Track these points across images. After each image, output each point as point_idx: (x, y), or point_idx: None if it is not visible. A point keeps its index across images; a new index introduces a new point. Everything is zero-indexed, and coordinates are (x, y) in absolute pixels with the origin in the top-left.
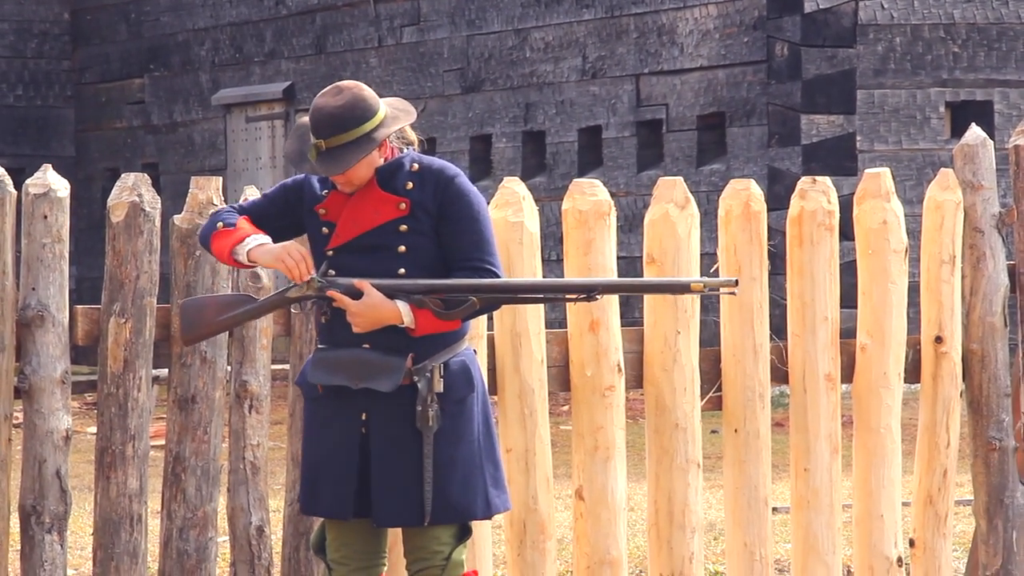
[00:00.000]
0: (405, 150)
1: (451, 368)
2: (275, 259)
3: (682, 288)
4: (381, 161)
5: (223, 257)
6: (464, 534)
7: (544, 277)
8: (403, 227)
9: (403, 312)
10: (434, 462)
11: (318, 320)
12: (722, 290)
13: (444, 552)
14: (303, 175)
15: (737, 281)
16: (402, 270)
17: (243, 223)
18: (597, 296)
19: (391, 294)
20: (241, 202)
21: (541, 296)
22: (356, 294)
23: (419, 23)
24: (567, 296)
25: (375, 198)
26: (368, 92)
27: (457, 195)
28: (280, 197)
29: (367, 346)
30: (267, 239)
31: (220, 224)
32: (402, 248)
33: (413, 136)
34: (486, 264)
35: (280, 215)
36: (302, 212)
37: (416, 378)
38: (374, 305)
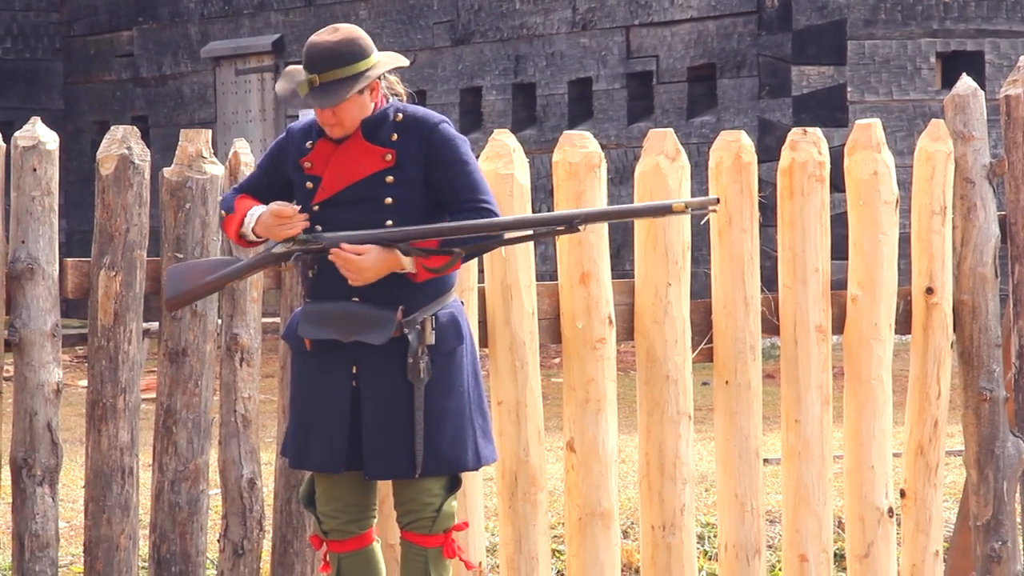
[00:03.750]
0: (390, 99)
1: (440, 320)
2: (268, 231)
3: (664, 210)
4: (371, 108)
5: (239, 243)
6: (454, 485)
7: None
8: (389, 178)
9: (403, 257)
10: (425, 414)
11: (304, 275)
12: (706, 209)
13: (435, 504)
14: (285, 133)
15: (719, 199)
16: (389, 221)
17: (239, 203)
18: (579, 226)
19: (378, 244)
20: (241, 176)
21: (526, 234)
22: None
23: None
24: (550, 229)
25: (360, 150)
26: (363, 34)
27: (443, 141)
28: (269, 164)
29: (356, 299)
30: (260, 208)
31: (223, 213)
32: (389, 200)
33: (401, 89)
34: (482, 204)
35: (274, 183)
36: (286, 169)
37: (407, 330)
38: (378, 257)
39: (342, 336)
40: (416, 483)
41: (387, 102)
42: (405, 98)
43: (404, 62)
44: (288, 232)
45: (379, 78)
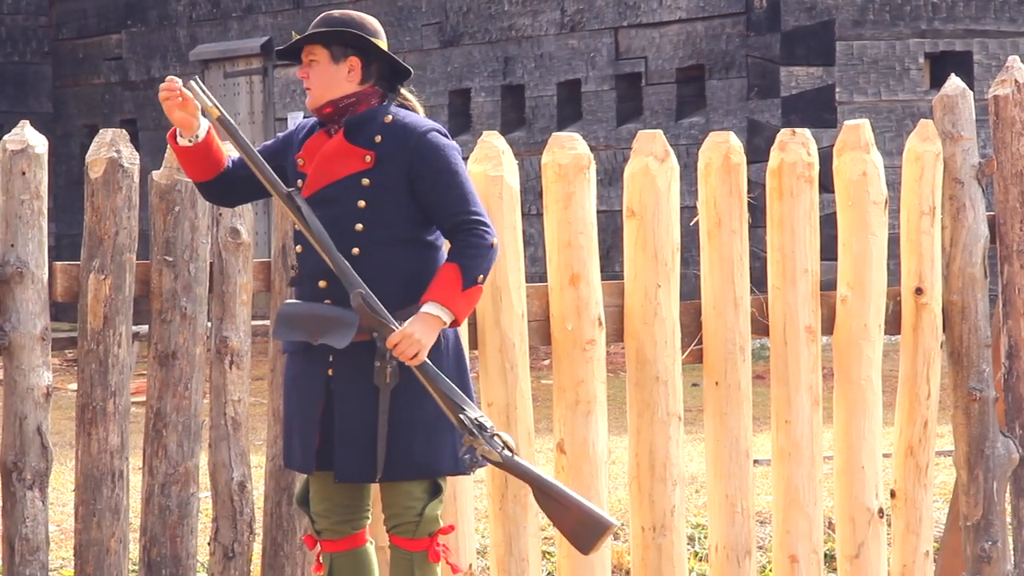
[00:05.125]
0: (386, 103)
1: None
2: (169, 114)
3: None
4: (349, 88)
5: (176, 149)
6: (437, 490)
7: (524, 231)
8: (365, 181)
9: (438, 312)
10: (398, 418)
11: (290, 274)
12: None
13: (416, 508)
14: (293, 127)
15: None
16: (359, 225)
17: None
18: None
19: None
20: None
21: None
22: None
23: None
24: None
25: (341, 150)
26: (374, 22)
27: (429, 149)
28: (273, 144)
29: (329, 301)
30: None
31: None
32: (362, 203)
33: (419, 106)
34: (472, 215)
35: (267, 159)
36: (286, 161)
37: (375, 334)
38: (416, 328)
39: (310, 338)
40: (398, 486)
41: (382, 104)
42: (421, 112)
43: (405, 71)
44: (170, 104)
45: (374, 81)
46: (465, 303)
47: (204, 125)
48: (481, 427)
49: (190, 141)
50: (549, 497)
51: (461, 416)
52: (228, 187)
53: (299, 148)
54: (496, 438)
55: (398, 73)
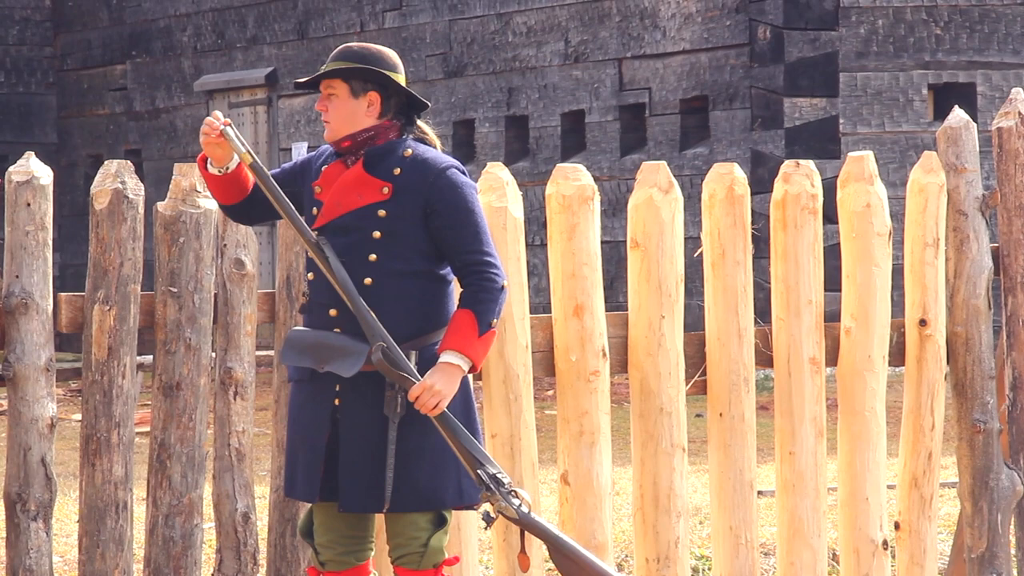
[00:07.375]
0: (405, 136)
1: (425, 356)
2: (208, 151)
3: None
4: (367, 121)
5: (207, 177)
6: (442, 520)
7: (528, 261)
8: (382, 212)
9: (457, 361)
10: (404, 449)
11: (297, 303)
12: None
13: (421, 538)
14: (312, 152)
15: None
16: (372, 256)
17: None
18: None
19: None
20: None
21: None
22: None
23: (401, 7)
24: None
25: (360, 180)
26: (396, 59)
27: (448, 186)
28: (290, 168)
29: (338, 330)
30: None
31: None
32: (377, 234)
33: (436, 139)
34: (484, 256)
35: (284, 182)
36: (303, 188)
37: (397, 385)
38: (437, 380)
39: (317, 365)
40: (403, 517)
41: (401, 137)
42: (438, 146)
43: (422, 104)
44: (207, 141)
45: (392, 114)
46: (482, 348)
47: (235, 158)
48: (499, 483)
49: (220, 171)
50: (564, 555)
51: (479, 472)
52: (250, 209)
53: (317, 176)
54: (513, 495)
55: (415, 105)
